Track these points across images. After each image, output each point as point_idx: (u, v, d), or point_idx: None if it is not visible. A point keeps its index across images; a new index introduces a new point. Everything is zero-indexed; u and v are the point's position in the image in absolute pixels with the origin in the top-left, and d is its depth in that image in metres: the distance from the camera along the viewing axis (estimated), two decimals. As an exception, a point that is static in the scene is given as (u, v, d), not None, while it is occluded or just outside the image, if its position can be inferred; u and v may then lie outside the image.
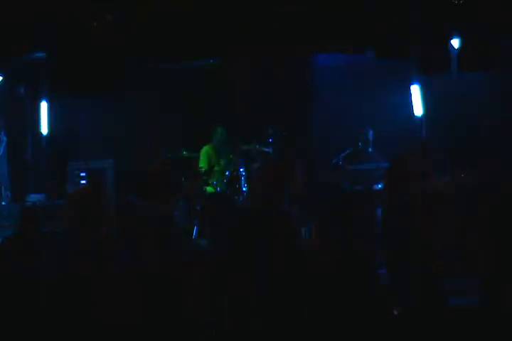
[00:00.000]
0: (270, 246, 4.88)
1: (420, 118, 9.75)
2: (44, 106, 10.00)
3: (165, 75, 10.32)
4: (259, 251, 4.75)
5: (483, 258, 5.95)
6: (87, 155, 9.47)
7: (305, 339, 4.14)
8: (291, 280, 4.49)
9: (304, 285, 4.42)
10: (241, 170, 9.54)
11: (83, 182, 8.80)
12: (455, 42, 9.01)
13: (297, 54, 9.98)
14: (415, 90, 9.80)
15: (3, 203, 9.24)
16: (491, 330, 4.35)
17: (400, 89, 9.97)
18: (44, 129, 9.99)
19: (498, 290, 4.97)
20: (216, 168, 9.53)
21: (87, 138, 10.05)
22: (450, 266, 7.98)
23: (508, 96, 9.21)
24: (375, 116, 9.77)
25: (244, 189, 9.44)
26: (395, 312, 4.59)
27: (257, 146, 9.40)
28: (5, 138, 9.57)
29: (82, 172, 9.22)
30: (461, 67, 9.18)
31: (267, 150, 9.38)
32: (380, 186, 8.76)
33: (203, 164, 9.56)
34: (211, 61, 9.98)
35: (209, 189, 9.45)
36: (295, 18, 8.72)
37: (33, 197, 8.97)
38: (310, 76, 10.49)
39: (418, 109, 9.79)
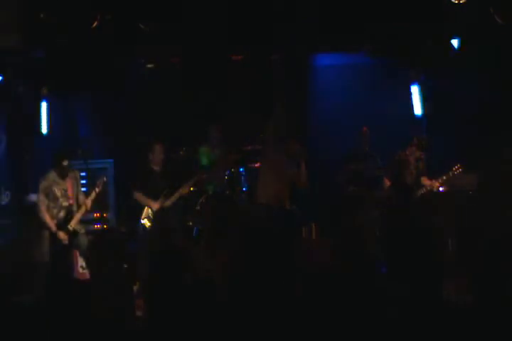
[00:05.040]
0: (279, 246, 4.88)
1: (420, 119, 9.78)
2: (44, 106, 10.00)
3: (165, 75, 10.32)
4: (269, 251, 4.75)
5: (478, 257, 5.95)
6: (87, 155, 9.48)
7: (305, 338, 4.15)
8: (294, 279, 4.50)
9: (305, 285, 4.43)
10: (241, 169, 9.57)
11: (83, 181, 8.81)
12: (455, 42, 9.03)
13: (297, 54, 9.99)
14: (415, 90, 9.83)
15: (3, 203, 9.24)
16: (488, 329, 4.36)
17: (400, 89, 10.00)
18: (44, 129, 10.00)
19: (493, 289, 4.98)
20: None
21: (87, 138, 10.06)
22: (448, 264, 7.99)
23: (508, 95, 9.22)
24: (374, 116, 9.79)
25: (244, 189, 9.47)
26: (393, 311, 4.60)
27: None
28: (5, 138, 9.58)
29: (82, 172, 9.23)
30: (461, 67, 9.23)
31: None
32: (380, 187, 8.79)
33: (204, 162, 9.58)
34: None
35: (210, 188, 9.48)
36: (294, 18, 8.72)
37: (33, 197, 8.98)
38: (310, 76, 10.52)
39: (418, 109, 9.82)
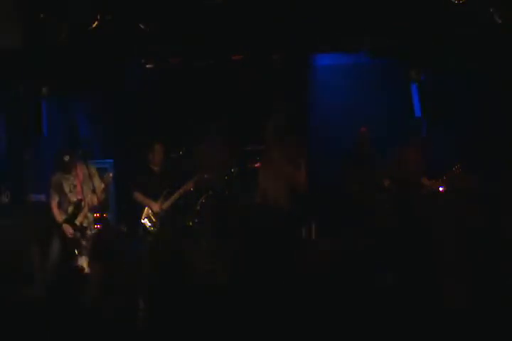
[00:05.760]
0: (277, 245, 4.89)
1: (420, 118, 9.80)
2: (44, 106, 10.02)
3: (164, 75, 10.33)
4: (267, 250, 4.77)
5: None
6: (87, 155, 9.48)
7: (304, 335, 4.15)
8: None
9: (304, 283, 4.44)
10: (241, 169, 9.57)
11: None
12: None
13: (297, 54, 10.00)
14: (415, 90, 9.85)
15: (3, 203, 9.24)
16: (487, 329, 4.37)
17: (400, 89, 10.01)
18: (44, 129, 10.01)
19: (493, 288, 5.00)
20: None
21: (87, 139, 10.07)
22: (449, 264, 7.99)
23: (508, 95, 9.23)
24: (374, 116, 9.80)
25: (244, 189, 9.46)
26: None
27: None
28: (4, 138, 9.60)
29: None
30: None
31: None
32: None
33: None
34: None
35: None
36: (294, 18, 8.73)
37: (33, 197, 8.98)
38: (310, 76, 10.52)
39: (418, 109, 9.84)
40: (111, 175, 8.25)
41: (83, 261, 7.62)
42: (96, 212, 8.41)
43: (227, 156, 9.70)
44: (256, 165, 9.25)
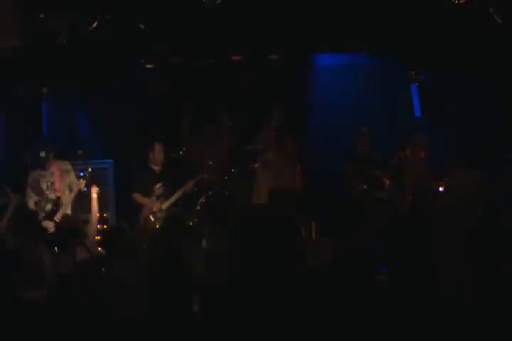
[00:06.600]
0: (273, 246, 4.88)
1: (420, 118, 9.80)
2: (44, 106, 10.02)
3: (164, 75, 10.33)
4: (262, 252, 4.75)
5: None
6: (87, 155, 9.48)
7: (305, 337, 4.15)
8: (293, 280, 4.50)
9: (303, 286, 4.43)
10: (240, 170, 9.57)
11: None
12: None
13: (297, 54, 10.00)
14: (415, 90, 9.86)
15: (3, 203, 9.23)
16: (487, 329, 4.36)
17: (400, 89, 10.01)
18: (44, 129, 10.02)
19: (492, 288, 4.98)
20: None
21: (87, 138, 10.07)
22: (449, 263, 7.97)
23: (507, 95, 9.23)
24: (374, 116, 9.80)
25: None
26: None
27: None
28: (4, 138, 9.60)
29: (82, 172, 9.21)
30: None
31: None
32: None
33: None
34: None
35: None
36: (294, 18, 8.73)
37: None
38: (310, 76, 10.52)
39: (418, 109, 9.85)
40: (83, 182, 8.13)
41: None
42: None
43: (227, 156, 9.70)
44: (256, 165, 9.26)
